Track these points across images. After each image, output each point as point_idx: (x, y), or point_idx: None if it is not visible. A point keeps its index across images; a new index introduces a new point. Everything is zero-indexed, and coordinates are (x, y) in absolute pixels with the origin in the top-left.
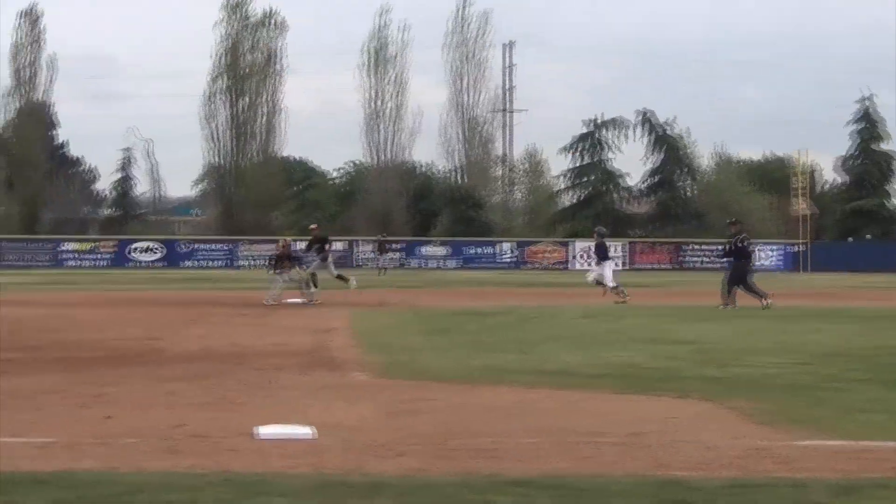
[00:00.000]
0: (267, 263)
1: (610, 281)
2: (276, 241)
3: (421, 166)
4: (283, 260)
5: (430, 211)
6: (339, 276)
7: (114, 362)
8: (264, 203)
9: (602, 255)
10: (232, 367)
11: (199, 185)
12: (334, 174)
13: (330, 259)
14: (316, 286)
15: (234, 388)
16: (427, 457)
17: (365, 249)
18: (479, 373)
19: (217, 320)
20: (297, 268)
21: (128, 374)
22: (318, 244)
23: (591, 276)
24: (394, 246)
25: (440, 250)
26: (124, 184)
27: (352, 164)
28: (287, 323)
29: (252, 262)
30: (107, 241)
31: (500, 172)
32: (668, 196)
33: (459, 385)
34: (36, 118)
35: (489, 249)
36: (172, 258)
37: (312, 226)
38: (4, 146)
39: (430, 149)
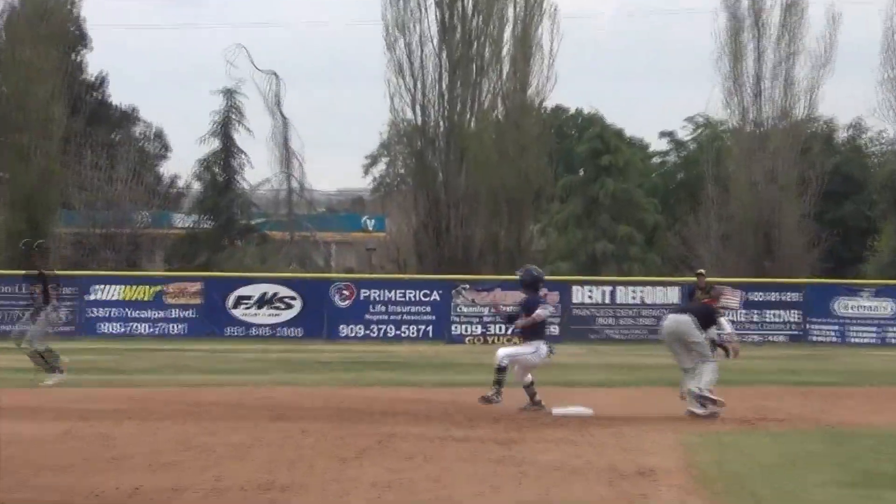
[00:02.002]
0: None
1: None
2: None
3: (839, 128)
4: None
5: (858, 225)
6: (44, 354)
7: None
8: (513, 201)
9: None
10: None
11: (376, 169)
12: (659, 145)
13: (48, 314)
14: (50, 366)
15: None
16: None
17: None
18: None
19: (411, 449)
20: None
21: None
22: (41, 282)
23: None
24: (734, 297)
25: (877, 306)
26: (222, 164)
27: (695, 125)
28: (554, 456)
29: (484, 328)
30: (185, 281)
31: None
32: None
33: None
34: (47, 30)
35: None
36: (316, 318)
37: (38, 241)
38: None
39: (848, 93)
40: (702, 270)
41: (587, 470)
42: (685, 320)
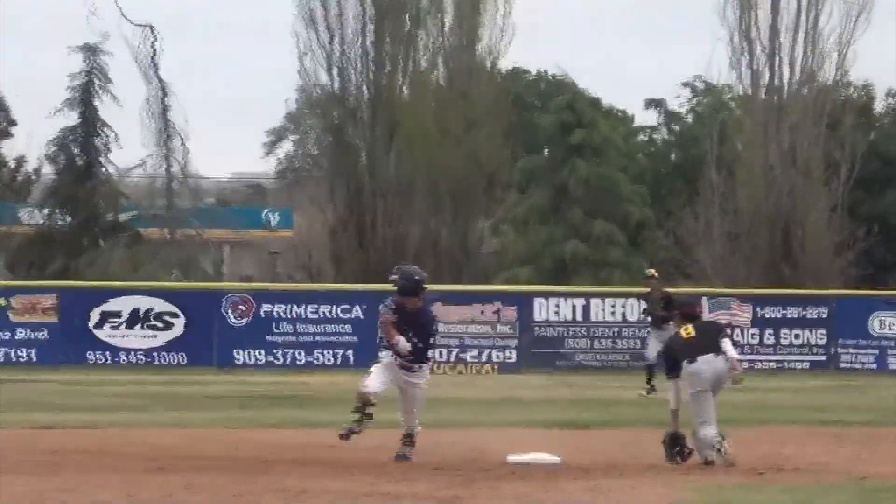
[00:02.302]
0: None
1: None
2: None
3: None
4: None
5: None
6: None
7: None
8: (458, 191)
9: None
10: None
11: (281, 149)
12: (646, 117)
13: None
14: None
15: None
16: None
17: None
18: None
19: None
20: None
21: None
22: None
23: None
24: (742, 314)
25: None
26: (82, 143)
27: (693, 91)
28: None
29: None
30: (35, 293)
31: None
32: None
33: None
34: None
35: None
36: (204, 341)
37: None
38: None
39: (889, 51)
40: (652, 272)
41: None
42: (724, 362)
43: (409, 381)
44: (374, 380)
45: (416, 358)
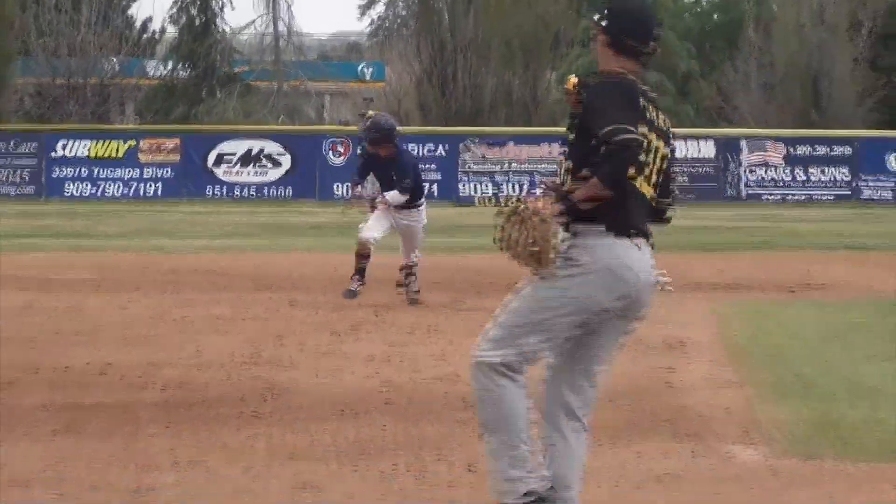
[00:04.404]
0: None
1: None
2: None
3: None
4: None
5: None
6: None
7: (181, 417)
8: (528, 46)
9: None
10: (458, 427)
11: (374, 10)
12: None
13: None
14: None
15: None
16: None
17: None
18: None
19: (413, 321)
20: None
21: (215, 441)
22: None
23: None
24: (776, 153)
25: None
26: (199, 5)
27: None
28: None
29: (496, 187)
30: (161, 136)
31: None
32: None
33: None
34: None
35: None
36: (308, 177)
37: None
38: None
39: None
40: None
41: None
42: None
43: (407, 223)
44: (372, 228)
45: (412, 198)
